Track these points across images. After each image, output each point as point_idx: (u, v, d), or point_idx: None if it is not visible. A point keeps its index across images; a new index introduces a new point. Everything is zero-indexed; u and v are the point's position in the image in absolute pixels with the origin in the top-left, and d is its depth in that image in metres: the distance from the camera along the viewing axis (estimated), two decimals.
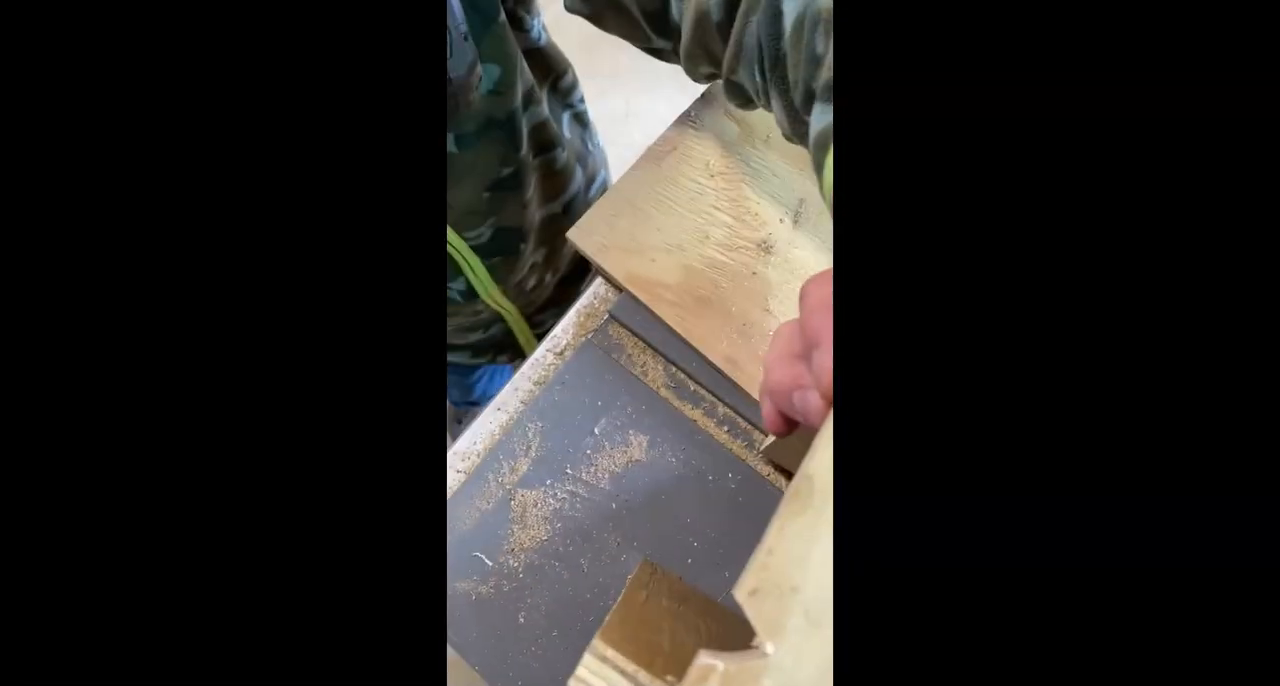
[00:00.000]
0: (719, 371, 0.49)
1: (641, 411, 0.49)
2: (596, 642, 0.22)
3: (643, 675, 0.22)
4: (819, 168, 0.33)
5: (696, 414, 0.49)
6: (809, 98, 0.34)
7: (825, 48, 0.31)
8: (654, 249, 0.50)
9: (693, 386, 0.50)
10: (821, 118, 0.32)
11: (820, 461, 0.22)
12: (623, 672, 0.22)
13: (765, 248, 0.50)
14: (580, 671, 0.22)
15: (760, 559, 0.21)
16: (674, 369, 0.50)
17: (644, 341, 0.51)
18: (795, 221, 0.51)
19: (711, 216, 0.51)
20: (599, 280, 0.53)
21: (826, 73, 0.31)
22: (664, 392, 0.50)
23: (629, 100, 1.60)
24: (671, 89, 0.53)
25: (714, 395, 0.49)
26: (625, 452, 0.49)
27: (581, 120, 0.68)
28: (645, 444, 0.49)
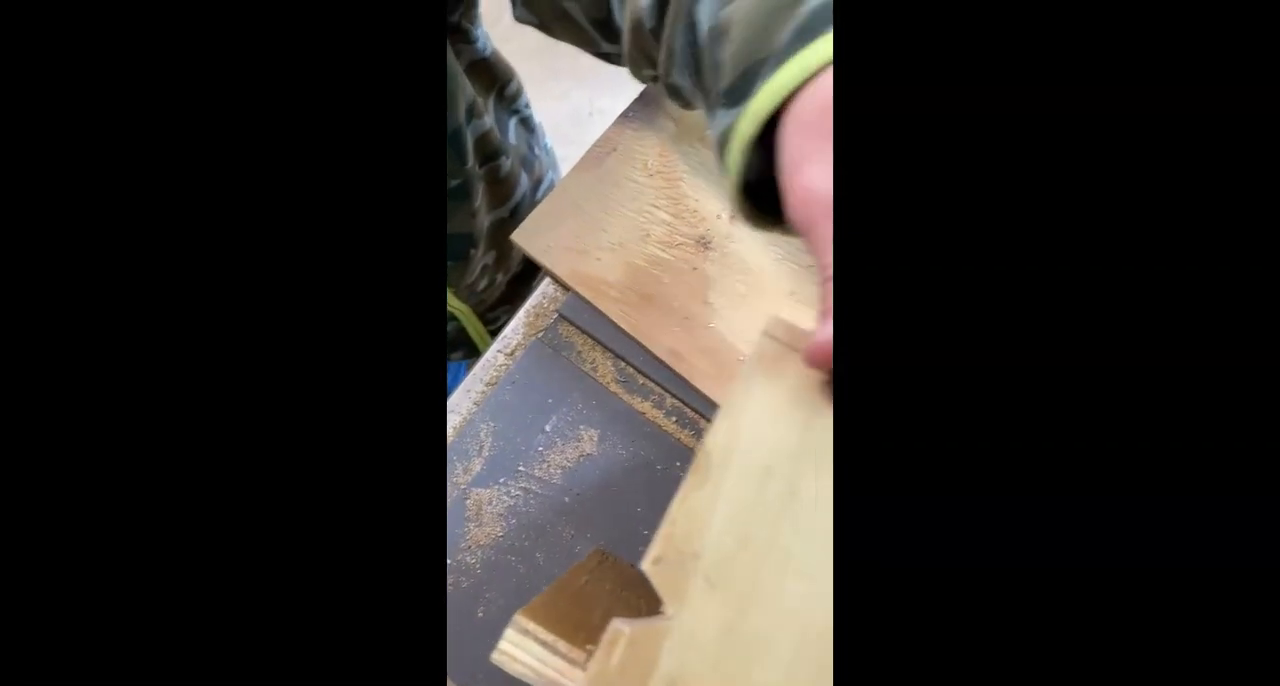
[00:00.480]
0: (664, 364, 0.50)
1: (592, 406, 0.51)
2: (518, 617, 0.24)
3: (561, 644, 0.23)
4: (723, 169, 0.35)
5: (645, 406, 0.51)
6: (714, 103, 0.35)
7: (724, 56, 0.33)
8: (598, 248, 0.52)
9: (641, 380, 0.51)
10: (720, 122, 0.33)
11: (714, 434, 0.23)
12: (542, 643, 0.23)
13: (704, 243, 0.52)
14: (503, 644, 0.24)
15: (664, 529, 0.23)
16: (623, 364, 0.52)
17: (593, 338, 0.52)
18: (732, 216, 0.52)
19: (652, 214, 0.53)
20: (547, 280, 0.54)
21: (724, 80, 0.33)
22: (614, 387, 0.51)
23: (592, 100, 1.61)
24: (634, 89, 0.54)
25: (662, 387, 0.51)
26: (576, 447, 0.50)
27: (528, 125, 0.69)
28: (596, 438, 0.50)
